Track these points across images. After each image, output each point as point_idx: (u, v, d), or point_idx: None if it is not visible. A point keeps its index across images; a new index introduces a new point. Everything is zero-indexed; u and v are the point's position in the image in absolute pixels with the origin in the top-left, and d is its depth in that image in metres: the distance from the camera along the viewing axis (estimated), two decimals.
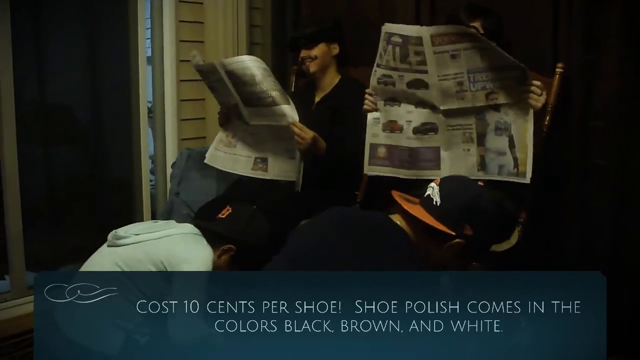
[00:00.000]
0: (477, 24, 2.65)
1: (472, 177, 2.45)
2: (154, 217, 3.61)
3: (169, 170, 3.52)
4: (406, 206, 1.95)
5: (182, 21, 3.53)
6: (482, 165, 2.50)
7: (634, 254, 2.63)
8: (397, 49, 2.45)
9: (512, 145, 2.41)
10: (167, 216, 3.23)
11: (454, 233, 1.89)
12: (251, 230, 2.44)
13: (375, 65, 2.57)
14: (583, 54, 2.69)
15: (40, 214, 3.22)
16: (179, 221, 2.60)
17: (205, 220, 2.52)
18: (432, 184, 1.98)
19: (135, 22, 3.44)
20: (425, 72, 2.43)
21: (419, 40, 2.39)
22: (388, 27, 2.49)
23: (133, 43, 3.46)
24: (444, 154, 2.57)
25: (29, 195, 3.03)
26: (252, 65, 2.71)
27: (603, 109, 2.68)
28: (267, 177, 2.97)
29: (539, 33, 2.80)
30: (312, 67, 3.10)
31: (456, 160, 2.55)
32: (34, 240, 3.09)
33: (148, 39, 3.56)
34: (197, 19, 3.57)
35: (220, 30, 3.53)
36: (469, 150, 2.52)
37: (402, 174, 2.64)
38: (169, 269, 2.29)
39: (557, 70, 2.67)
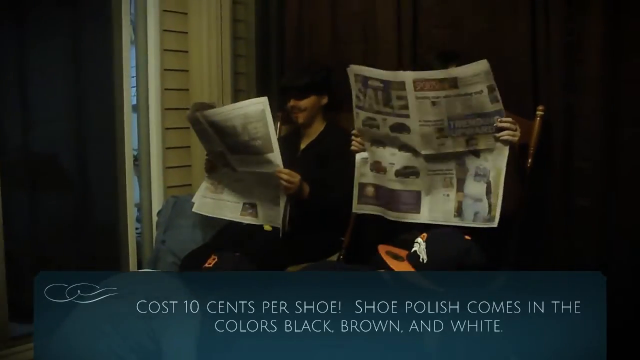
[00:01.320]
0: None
1: (449, 224, 2.46)
2: (140, 265, 3.58)
3: (154, 218, 3.51)
4: (392, 264, 1.96)
5: (167, 69, 3.56)
6: (459, 211, 2.47)
7: (618, 294, 2.63)
8: (380, 92, 2.46)
9: (488, 191, 2.39)
10: (153, 265, 3.21)
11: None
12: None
13: (355, 106, 2.58)
14: (563, 96, 2.73)
15: (24, 262, 3.19)
16: (164, 270, 2.58)
17: (192, 270, 2.52)
18: (419, 240, 2.01)
19: (120, 70, 3.45)
20: (407, 116, 2.43)
21: (401, 85, 2.39)
22: (357, 69, 2.51)
23: (118, 90, 3.47)
24: (424, 198, 2.56)
25: (12, 243, 3.01)
26: (232, 117, 2.70)
27: (584, 150, 2.70)
28: (258, 223, 2.95)
29: (518, 76, 2.83)
30: (301, 118, 3.11)
31: (435, 205, 2.53)
32: (18, 290, 3.06)
33: (133, 87, 3.57)
34: (182, 67, 3.60)
35: (205, 78, 3.56)
36: (448, 195, 2.50)
37: (388, 215, 2.64)
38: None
39: (538, 112, 2.71)
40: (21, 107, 3.12)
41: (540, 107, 2.71)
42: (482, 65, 2.28)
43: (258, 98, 2.71)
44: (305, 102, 3.09)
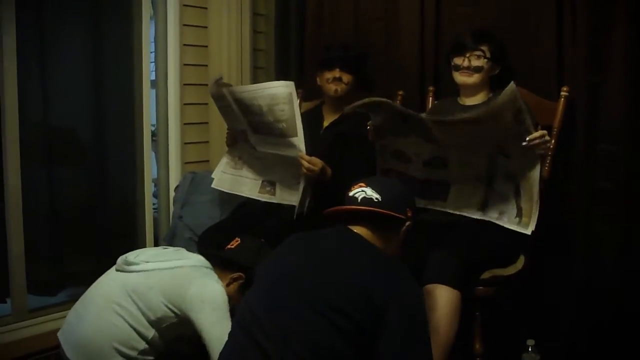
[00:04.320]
0: (484, 48, 2.65)
1: (473, 216, 2.45)
2: (156, 240, 3.59)
3: (172, 194, 3.51)
4: (359, 207, 2.06)
5: (186, 45, 3.54)
6: (484, 205, 2.43)
7: None
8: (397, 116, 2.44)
9: (517, 194, 2.34)
10: (170, 240, 3.21)
11: (403, 217, 2.09)
12: (260, 260, 2.44)
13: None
14: (588, 77, 2.69)
15: (43, 237, 3.20)
16: (181, 245, 2.59)
17: (214, 249, 2.54)
18: (360, 188, 2.10)
19: (139, 46, 3.45)
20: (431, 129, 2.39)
21: (421, 123, 2.38)
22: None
23: (137, 66, 3.46)
24: (452, 188, 2.50)
25: (31, 218, 3.02)
26: (258, 96, 2.68)
27: (608, 132, 2.67)
28: (275, 201, 2.94)
29: (543, 56, 2.80)
30: (340, 90, 3.03)
31: (462, 196, 2.48)
32: (36, 263, 3.07)
33: (152, 62, 3.56)
34: (201, 42, 3.58)
35: (224, 54, 3.54)
36: (476, 188, 2.44)
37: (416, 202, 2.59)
38: (181, 304, 2.29)
39: (562, 93, 2.68)
40: (41, 82, 3.11)
41: (565, 88, 2.68)
42: (508, 93, 2.12)
43: (285, 82, 2.66)
44: (348, 77, 3.03)
